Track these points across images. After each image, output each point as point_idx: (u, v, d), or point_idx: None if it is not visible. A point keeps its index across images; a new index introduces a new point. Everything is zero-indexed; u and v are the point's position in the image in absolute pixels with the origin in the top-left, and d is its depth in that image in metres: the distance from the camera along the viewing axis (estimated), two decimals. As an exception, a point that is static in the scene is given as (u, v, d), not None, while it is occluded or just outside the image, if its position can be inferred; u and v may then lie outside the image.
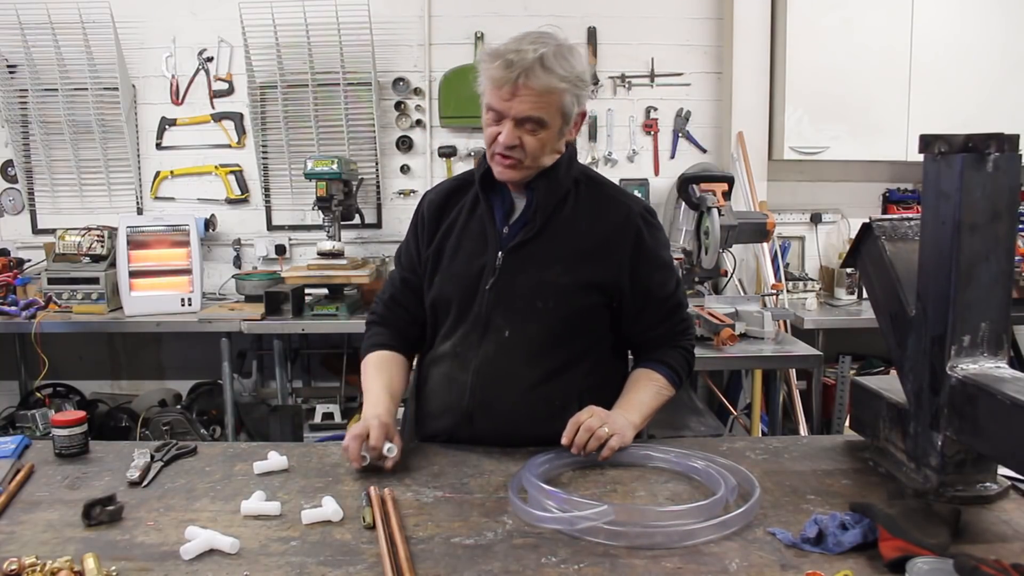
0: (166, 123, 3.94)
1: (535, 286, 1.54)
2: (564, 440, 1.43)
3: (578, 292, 1.54)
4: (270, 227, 4.02)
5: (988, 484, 1.27)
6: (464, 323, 1.58)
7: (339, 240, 3.56)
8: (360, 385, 1.64)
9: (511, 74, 1.41)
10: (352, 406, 3.70)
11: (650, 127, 3.98)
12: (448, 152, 3.94)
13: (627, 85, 3.96)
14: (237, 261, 4.00)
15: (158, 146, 3.96)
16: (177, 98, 3.93)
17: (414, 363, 1.74)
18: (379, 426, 1.42)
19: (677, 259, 3.21)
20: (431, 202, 1.68)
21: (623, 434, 1.45)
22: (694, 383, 3.94)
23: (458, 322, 1.59)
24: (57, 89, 3.80)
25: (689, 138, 4.01)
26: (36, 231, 3.95)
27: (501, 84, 1.44)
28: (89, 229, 3.53)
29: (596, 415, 1.45)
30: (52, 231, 3.63)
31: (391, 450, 1.41)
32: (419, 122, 3.97)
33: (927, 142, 1.22)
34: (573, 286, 1.54)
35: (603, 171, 3.91)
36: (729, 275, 3.42)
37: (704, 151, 4.01)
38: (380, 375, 1.61)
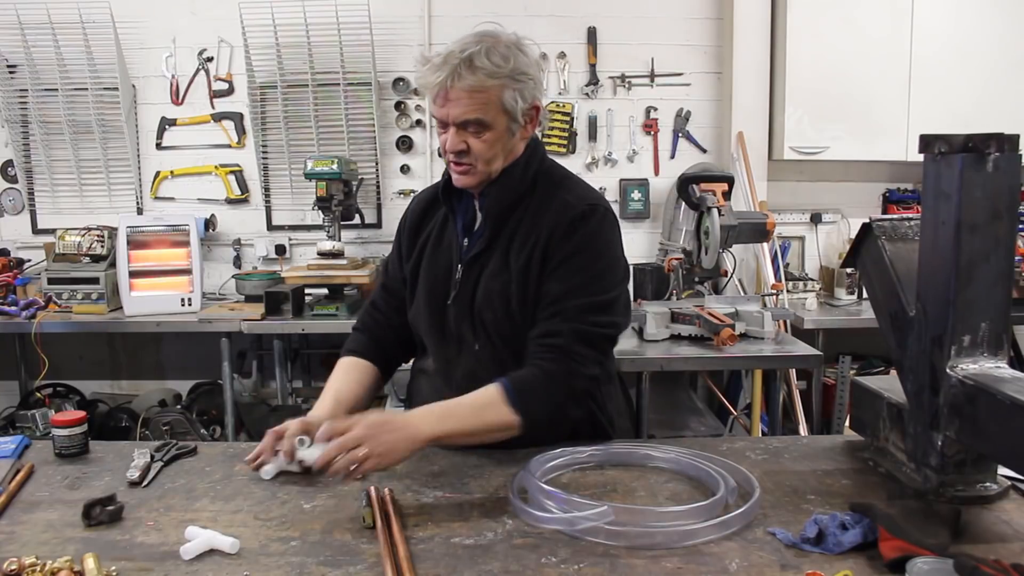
0: (166, 123, 3.94)
1: (488, 298, 1.50)
2: (317, 463, 1.25)
3: (526, 302, 1.48)
4: (270, 227, 4.02)
5: (988, 484, 1.27)
6: (440, 338, 1.57)
7: (339, 240, 3.55)
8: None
9: (439, 78, 1.38)
10: (352, 406, 3.70)
11: (650, 127, 3.98)
12: (448, 152, 3.93)
13: (627, 85, 3.96)
14: (237, 261, 4.00)
15: (158, 146, 3.96)
16: (177, 98, 3.93)
17: (407, 366, 1.74)
18: (298, 423, 1.39)
19: (677, 259, 3.21)
20: (412, 213, 1.68)
21: (386, 455, 1.26)
22: (694, 383, 3.93)
23: (434, 337, 1.58)
24: (57, 89, 3.80)
25: (689, 138, 4.01)
26: (36, 231, 3.95)
27: (433, 90, 1.41)
28: (89, 229, 3.53)
29: (359, 430, 1.24)
30: (52, 231, 3.63)
31: (302, 442, 1.36)
32: (419, 122, 3.97)
33: (927, 142, 1.22)
34: (520, 297, 1.48)
35: (603, 171, 3.96)
36: (729, 275, 3.41)
37: (704, 151, 4.01)
38: (335, 381, 1.61)
